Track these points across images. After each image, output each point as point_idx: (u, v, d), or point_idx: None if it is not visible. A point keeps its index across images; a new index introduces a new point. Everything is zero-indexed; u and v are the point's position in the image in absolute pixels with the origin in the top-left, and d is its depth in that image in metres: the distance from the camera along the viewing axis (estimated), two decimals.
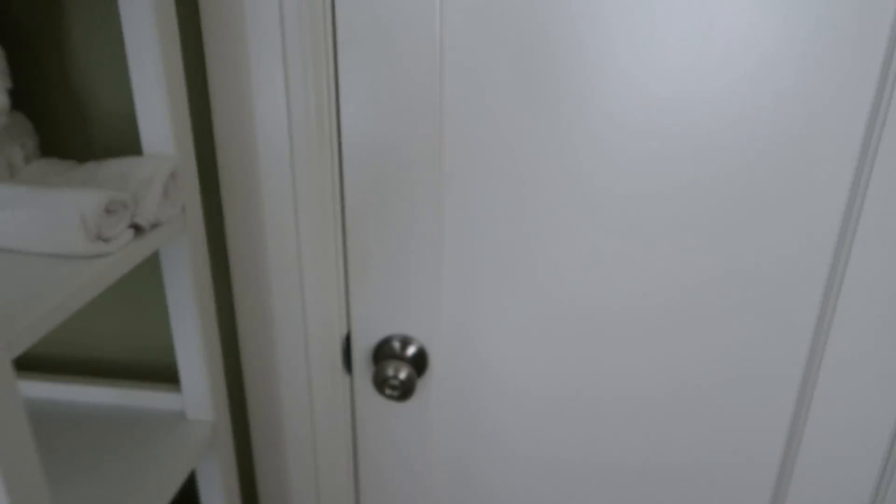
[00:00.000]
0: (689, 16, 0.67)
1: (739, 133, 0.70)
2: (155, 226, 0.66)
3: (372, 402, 0.89)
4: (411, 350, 0.85)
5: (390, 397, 0.83)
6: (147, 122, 0.68)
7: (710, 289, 0.77)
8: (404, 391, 0.82)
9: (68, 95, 0.76)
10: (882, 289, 0.74)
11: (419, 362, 0.85)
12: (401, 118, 0.75)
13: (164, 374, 0.90)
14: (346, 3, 0.71)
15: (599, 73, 0.70)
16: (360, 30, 0.72)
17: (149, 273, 0.85)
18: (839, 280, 0.75)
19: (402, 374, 0.81)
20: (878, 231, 0.72)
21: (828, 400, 0.80)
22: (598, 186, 0.75)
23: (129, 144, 0.77)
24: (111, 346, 0.89)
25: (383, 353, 0.85)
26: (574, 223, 0.77)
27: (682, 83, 0.69)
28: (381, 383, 0.82)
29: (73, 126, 0.77)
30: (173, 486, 0.74)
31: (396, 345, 0.85)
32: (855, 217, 0.72)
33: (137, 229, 0.64)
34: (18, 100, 0.77)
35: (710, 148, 0.71)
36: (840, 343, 0.77)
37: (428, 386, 0.87)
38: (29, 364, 0.92)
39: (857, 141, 0.69)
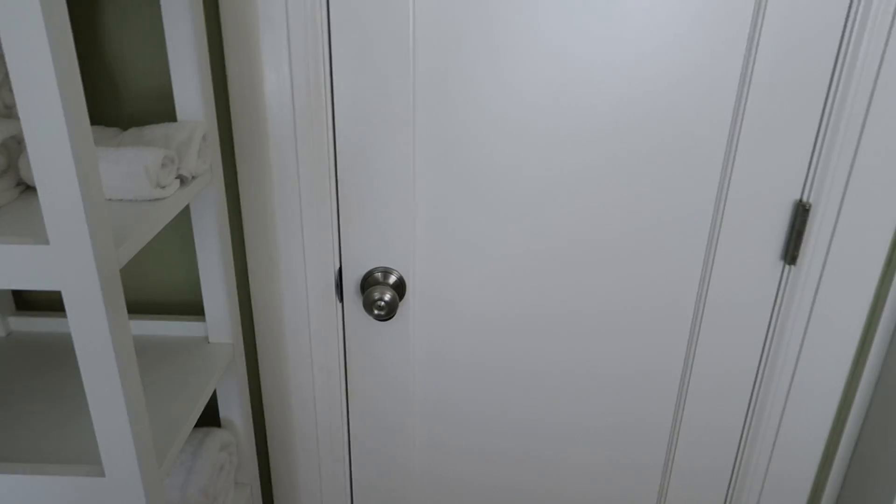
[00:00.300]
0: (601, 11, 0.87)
1: (641, 100, 0.92)
2: (194, 177, 0.83)
3: (360, 323, 1.09)
4: (392, 279, 1.04)
5: (378, 317, 1.02)
6: (181, 94, 0.84)
7: (628, 228, 1.00)
8: (389, 310, 1.01)
9: (109, 72, 0.92)
10: (753, 230, 0.98)
11: (399, 289, 1.05)
12: (381, 86, 0.93)
13: (186, 309, 1.07)
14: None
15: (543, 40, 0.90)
16: (349, 20, 0.90)
17: (174, 224, 1.01)
18: (720, 218, 0.98)
19: (387, 296, 1.01)
20: (749, 180, 0.95)
21: (713, 307, 1.04)
22: (552, 140, 0.95)
23: (157, 114, 0.94)
24: (144, 287, 1.06)
25: (369, 283, 1.05)
26: (522, 172, 0.97)
27: (603, 50, 0.90)
28: (369, 305, 1.01)
29: (113, 99, 0.93)
30: (205, 398, 0.91)
31: (379, 275, 1.04)
32: (730, 165, 0.95)
33: (182, 180, 0.81)
34: None
35: (622, 111, 0.93)
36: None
37: (406, 308, 1.07)
38: None
39: (729, 105, 0.91)
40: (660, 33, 0.89)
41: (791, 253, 1.00)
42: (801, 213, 0.97)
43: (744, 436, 1.14)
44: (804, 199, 0.97)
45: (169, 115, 0.94)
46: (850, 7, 0.86)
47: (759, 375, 1.09)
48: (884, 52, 0.87)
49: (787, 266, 1.02)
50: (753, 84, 0.90)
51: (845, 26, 0.87)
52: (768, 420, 1.11)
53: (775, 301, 1.04)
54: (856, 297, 1.01)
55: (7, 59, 0.52)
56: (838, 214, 0.96)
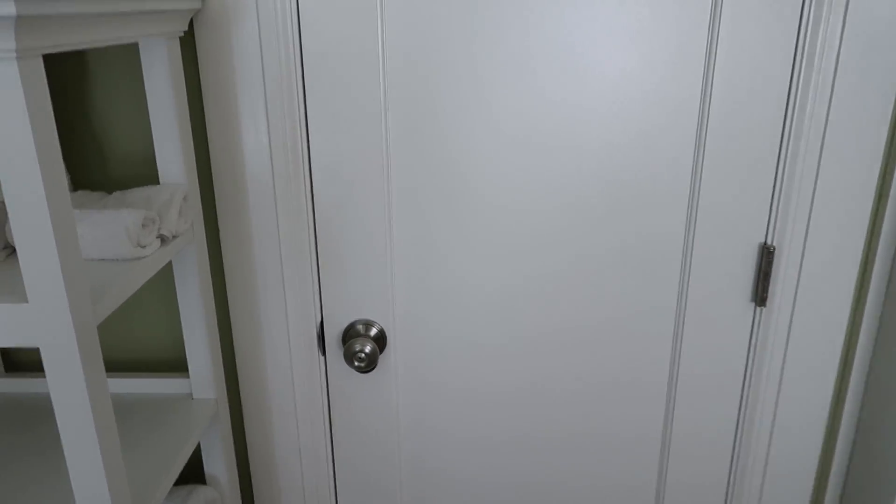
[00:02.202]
0: (568, 52, 0.93)
1: (609, 137, 0.96)
2: (174, 237, 0.87)
3: (342, 376, 1.11)
4: (373, 331, 1.07)
5: (358, 368, 1.04)
6: (164, 158, 0.88)
7: (597, 275, 1.03)
8: (369, 362, 1.03)
9: (95, 139, 0.96)
10: (721, 273, 1.01)
11: (380, 341, 1.07)
12: (355, 147, 0.98)
13: (170, 366, 1.09)
14: (312, 61, 0.94)
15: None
16: (322, 82, 0.95)
17: (156, 282, 1.05)
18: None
19: (368, 348, 1.03)
20: (713, 224, 0.99)
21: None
22: (520, 188, 0.99)
23: (141, 177, 0.98)
24: (128, 345, 1.08)
25: (350, 335, 1.07)
26: (495, 221, 1.01)
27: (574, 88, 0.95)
28: (350, 357, 1.03)
29: (99, 164, 0.97)
30: (187, 453, 0.93)
31: (360, 327, 1.07)
32: (694, 210, 0.98)
33: (162, 239, 0.85)
34: None
35: (592, 143, 0.97)
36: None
37: (388, 359, 1.09)
38: None
39: (690, 145, 0.96)
40: (616, 83, 0.94)
41: (760, 295, 1.02)
42: (766, 256, 1.00)
43: (729, 490, 1.14)
44: (768, 241, 1.00)
45: (152, 178, 0.98)
46: (794, 59, 0.91)
47: (740, 419, 1.10)
48: (830, 98, 0.91)
49: (758, 308, 1.04)
50: (709, 133, 0.95)
51: (792, 76, 0.92)
52: (753, 468, 1.11)
53: (749, 342, 1.06)
54: (828, 335, 1.03)
55: None
56: (802, 255, 0.99)
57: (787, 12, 0.89)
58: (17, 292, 0.66)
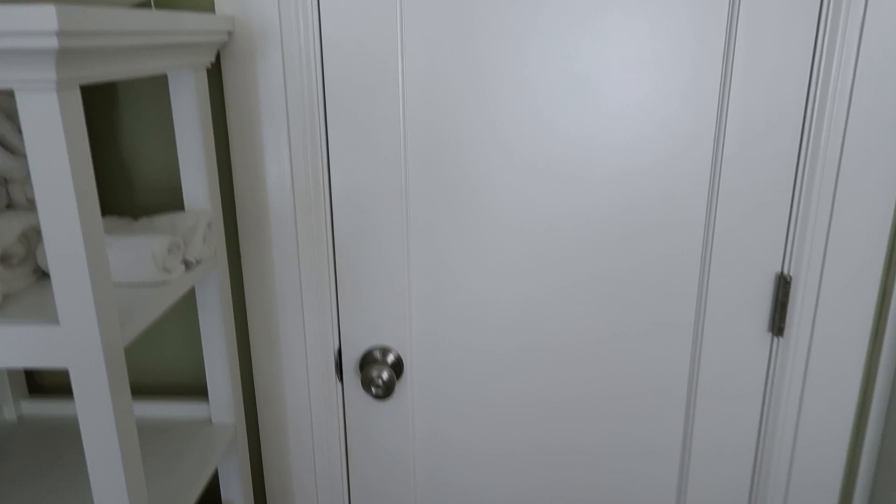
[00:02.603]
0: (583, 89, 0.94)
1: (627, 169, 0.98)
2: (198, 262, 0.89)
3: (359, 402, 1.11)
4: (390, 358, 1.07)
5: (376, 396, 1.05)
6: (189, 185, 0.91)
7: (614, 305, 1.03)
8: (387, 389, 1.04)
9: (124, 167, 0.99)
10: (738, 303, 1.01)
11: (397, 367, 1.08)
12: (375, 176, 1.00)
13: (189, 390, 1.10)
14: (334, 94, 0.96)
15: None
16: (344, 113, 0.97)
17: (177, 307, 1.06)
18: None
19: (385, 375, 1.04)
20: (730, 254, 0.99)
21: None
22: (537, 215, 1.00)
23: (167, 204, 1.00)
24: (150, 369, 1.09)
25: (367, 361, 1.08)
26: (512, 250, 1.02)
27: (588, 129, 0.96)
28: (367, 383, 1.04)
29: (127, 191, 1.00)
30: (205, 477, 0.93)
31: (377, 354, 1.08)
32: (710, 240, 0.99)
33: (187, 265, 0.87)
34: None
35: (610, 177, 0.98)
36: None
37: (404, 385, 1.10)
38: None
39: (705, 176, 0.97)
40: (631, 114, 0.95)
41: (777, 325, 1.02)
42: (783, 285, 1.00)
43: None
44: (785, 271, 1.00)
45: (177, 204, 1.00)
46: (808, 91, 0.93)
47: (759, 450, 1.09)
48: (845, 129, 0.92)
49: (775, 338, 1.04)
50: (725, 163, 0.96)
51: (806, 107, 0.93)
52: (772, 499, 1.10)
53: (767, 373, 1.06)
54: (847, 366, 1.03)
55: (30, 159, 0.58)
56: (819, 285, 0.99)
57: (800, 45, 0.91)
58: (48, 315, 0.68)
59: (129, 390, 0.69)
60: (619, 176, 0.98)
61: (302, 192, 0.98)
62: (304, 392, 1.08)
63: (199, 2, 0.92)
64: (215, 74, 0.95)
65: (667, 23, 0.91)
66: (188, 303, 1.06)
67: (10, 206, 0.83)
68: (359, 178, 1.00)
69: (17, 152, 0.79)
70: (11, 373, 1.05)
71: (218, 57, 0.94)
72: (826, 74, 0.91)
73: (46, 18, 0.50)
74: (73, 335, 0.63)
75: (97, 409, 0.66)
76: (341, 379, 1.10)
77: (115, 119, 0.98)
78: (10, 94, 0.80)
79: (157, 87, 0.96)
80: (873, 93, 0.91)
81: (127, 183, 1.00)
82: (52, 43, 0.52)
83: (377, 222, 1.02)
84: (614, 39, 0.92)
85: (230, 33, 0.92)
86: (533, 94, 0.95)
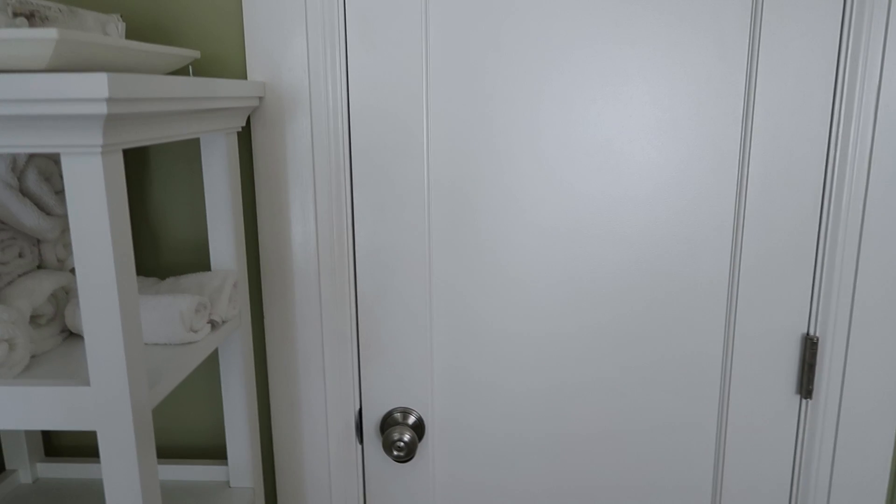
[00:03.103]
0: (604, 154, 0.96)
1: (648, 239, 0.98)
2: (224, 322, 0.89)
3: (380, 465, 1.09)
4: (411, 419, 1.06)
5: (397, 458, 1.03)
6: (216, 245, 0.92)
7: (637, 367, 1.02)
8: (408, 451, 1.02)
9: (152, 228, 1.00)
10: (764, 365, 1.00)
11: (418, 429, 1.06)
12: (399, 237, 1.00)
13: (204, 453, 1.09)
14: (360, 158, 0.98)
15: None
16: (370, 176, 0.99)
17: (199, 368, 1.06)
18: (731, 342, 1.00)
19: (407, 437, 1.02)
20: (754, 315, 0.99)
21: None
22: (559, 278, 1.00)
23: (193, 264, 1.01)
24: (167, 431, 1.08)
25: (388, 423, 1.06)
26: (534, 312, 1.02)
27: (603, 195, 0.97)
28: (388, 446, 1.02)
29: (153, 251, 1.01)
30: None
31: (399, 416, 1.06)
32: (733, 301, 0.99)
33: (213, 325, 0.87)
34: None
35: (627, 248, 0.99)
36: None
37: (426, 448, 1.08)
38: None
39: (727, 238, 0.97)
40: (653, 177, 0.96)
41: (806, 387, 1.01)
42: (810, 347, 0.99)
43: None
44: (811, 332, 0.99)
45: (204, 265, 1.01)
46: (828, 150, 0.94)
47: None
48: (866, 188, 0.93)
49: (803, 400, 1.02)
50: (746, 225, 0.96)
51: (826, 167, 0.94)
52: None
53: (797, 436, 1.03)
54: (880, 427, 1.01)
55: (71, 221, 0.59)
56: (847, 345, 0.98)
57: (818, 104, 0.93)
58: (77, 375, 0.68)
59: (154, 453, 0.68)
60: (641, 240, 0.98)
61: (326, 252, 0.99)
62: (324, 454, 1.06)
63: (232, 68, 0.95)
64: (245, 137, 0.97)
65: (687, 88, 0.93)
66: (209, 363, 1.06)
67: (40, 266, 0.84)
68: (383, 239, 1.01)
69: (52, 213, 0.80)
70: (29, 434, 1.04)
71: (248, 120, 0.96)
72: (845, 135, 0.93)
73: (98, 86, 0.52)
74: (103, 397, 0.63)
75: (123, 471, 0.65)
76: (361, 441, 1.09)
77: (144, 179, 1.00)
78: (48, 157, 0.82)
79: (187, 148, 0.98)
80: (893, 152, 0.92)
81: (154, 242, 1.01)
82: (102, 109, 0.54)
83: (400, 283, 1.02)
84: (635, 105, 0.94)
85: (261, 98, 0.94)
86: (557, 160, 0.96)
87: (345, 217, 0.99)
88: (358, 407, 1.07)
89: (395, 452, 1.02)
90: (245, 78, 0.95)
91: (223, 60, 0.95)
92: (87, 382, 0.64)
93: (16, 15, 0.63)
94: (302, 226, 0.98)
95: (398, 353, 1.04)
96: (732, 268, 0.98)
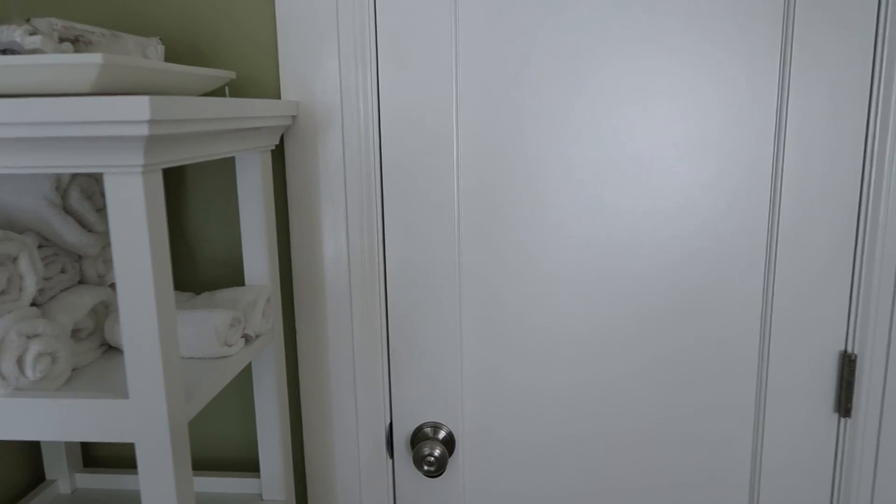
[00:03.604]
0: (636, 170, 0.96)
1: (678, 249, 0.97)
2: (258, 336, 0.90)
3: (410, 480, 1.09)
4: (442, 434, 1.06)
5: (427, 473, 1.03)
6: (250, 261, 0.93)
7: (670, 381, 1.01)
8: (439, 466, 1.02)
9: (187, 244, 1.03)
10: (800, 383, 0.98)
11: (449, 444, 1.06)
12: (430, 253, 1.01)
13: (234, 465, 1.10)
14: (391, 173, 0.99)
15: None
16: (400, 191, 1.00)
17: (233, 383, 1.07)
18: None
19: (437, 452, 1.02)
20: (789, 333, 0.97)
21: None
22: (591, 292, 1.00)
23: (227, 279, 1.03)
24: (201, 443, 1.10)
25: (419, 438, 1.06)
26: (562, 327, 1.01)
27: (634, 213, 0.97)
28: (419, 460, 1.03)
29: (189, 267, 1.03)
30: None
31: (429, 430, 1.06)
32: (768, 318, 0.97)
33: (247, 339, 0.88)
34: None
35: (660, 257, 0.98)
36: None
37: (456, 463, 1.08)
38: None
39: (761, 253, 0.96)
40: (682, 192, 0.96)
41: (844, 405, 0.98)
42: (847, 364, 0.97)
43: None
44: (849, 349, 0.97)
45: (238, 280, 1.03)
46: (863, 164, 0.92)
47: None
48: None
49: (842, 419, 1.00)
50: (780, 240, 0.95)
51: (862, 182, 0.93)
52: None
53: (836, 456, 1.01)
54: None
55: (112, 238, 0.61)
56: (887, 363, 0.96)
57: (853, 118, 0.91)
58: (116, 389, 0.69)
59: (190, 465, 0.70)
60: (674, 254, 0.98)
61: (357, 267, 1.00)
62: (355, 469, 1.07)
63: (266, 88, 0.97)
64: (278, 155, 0.99)
65: (717, 102, 0.93)
66: (242, 376, 1.08)
67: (81, 281, 0.87)
68: (413, 254, 1.01)
69: (93, 230, 0.83)
70: (68, 444, 1.07)
71: (281, 139, 0.98)
72: (881, 150, 0.91)
73: (140, 108, 0.54)
74: (141, 409, 0.65)
75: (160, 483, 0.66)
76: (392, 456, 1.09)
77: (181, 197, 1.02)
78: (90, 175, 0.84)
79: (222, 165, 1.01)
80: None
81: (190, 258, 1.03)
82: (144, 131, 0.55)
83: (431, 298, 1.02)
84: (665, 119, 0.94)
85: (294, 117, 0.96)
86: (587, 173, 0.96)
87: (376, 231, 1.01)
88: (388, 421, 1.08)
89: (426, 467, 1.03)
90: (279, 97, 0.97)
91: (258, 80, 0.97)
92: (125, 395, 0.65)
93: (62, 40, 0.65)
94: (333, 241, 1.00)
95: (428, 366, 1.05)
96: (766, 283, 0.97)
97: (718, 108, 0.93)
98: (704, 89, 0.93)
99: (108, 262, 0.88)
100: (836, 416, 1.00)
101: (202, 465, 1.11)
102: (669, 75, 0.93)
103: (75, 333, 0.80)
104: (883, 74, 0.90)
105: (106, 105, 0.54)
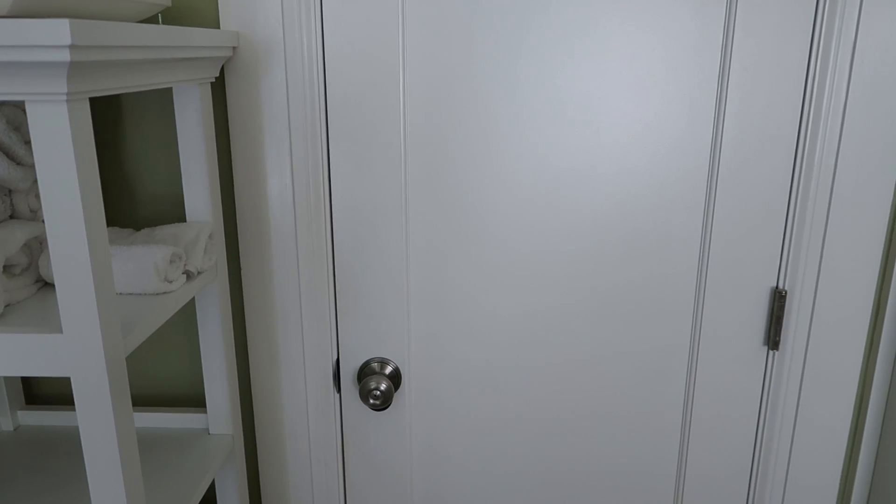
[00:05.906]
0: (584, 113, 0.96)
1: (622, 190, 0.99)
2: (199, 273, 0.89)
3: (357, 414, 1.11)
4: (388, 369, 1.08)
5: (373, 406, 1.05)
6: (191, 197, 0.92)
7: (610, 316, 1.04)
8: (384, 400, 1.04)
9: (127, 179, 1.00)
10: (733, 316, 1.02)
11: (395, 379, 1.08)
12: (375, 190, 1.01)
13: (183, 401, 1.11)
14: (336, 109, 0.98)
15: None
16: (346, 128, 0.98)
17: (177, 318, 1.07)
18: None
19: (383, 386, 1.04)
20: (725, 268, 1.01)
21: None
22: (535, 229, 1.02)
23: (168, 215, 1.01)
24: (149, 380, 1.10)
25: (365, 373, 1.08)
26: (507, 263, 1.03)
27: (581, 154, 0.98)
28: (365, 395, 1.05)
29: (129, 202, 1.01)
30: (203, 488, 0.93)
31: (376, 365, 1.08)
32: (705, 254, 1.00)
33: (188, 276, 0.87)
34: None
35: (604, 200, 1.00)
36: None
37: (402, 397, 1.10)
38: None
39: (701, 194, 0.98)
40: (628, 130, 0.97)
41: (773, 339, 1.03)
42: (778, 300, 1.01)
43: None
44: (780, 286, 1.02)
45: (179, 216, 1.01)
46: (802, 108, 0.94)
47: (755, 462, 1.10)
48: (838, 146, 0.94)
49: (770, 351, 1.05)
50: (720, 181, 0.97)
51: (800, 125, 0.95)
52: None
53: (763, 386, 1.07)
54: (843, 379, 1.04)
55: (38, 170, 0.59)
56: (814, 299, 1.01)
57: (794, 64, 0.93)
58: (50, 323, 0.68)
59: (129, 400, 0.70)
60: (618, 193, 0.99)
61: (303, 204, 0.99)
62: (302, 403, 1.08)
63: (204, 18, 0.93)
64: (219, 88, 0.96)
65: (664, 43, 0.93)
66: (187, 313, 1.07)
67: (13, 216, 0.84)
68: (359, 192, 1.01)
69: (23, 163, 0.80)
70: (9, 382, 1.06)
71: (222, 71, 0.95)
72: (819, 93, 0.93)
73: (60, 32, 0.52)
74: (75, 344, 0.64)
75: (98, 417, 0.66)
76: (339, 390, 1.11)
77: (118, 130, 0.99)
78: (16, 105, 0.81)
79: (161, 99, 0.97)
80: (866, 111, 0.93)
81: (129, 194, 1.01)
82: (65, 56, 0.53)
83: (377, 236, 1.03)
84: (612, 62, 0.94)
85: (234, 49, 0.93)
86: (531, 114, 0.96)
87: (321, 170, 0.99)
88: (335, 357, 1.09)
89: (372, 401, 1.05)
90: (218, 27, 0.94)
91: (196, 9, 0.93)
92: (59, 330, 0.64)
93: None
94: (278, 178, 0.98)
95: (375, 304, 1.06)
96: (705, 222, 1.00)
97: (665, 48, 0.93)
98: (652, 29, 0.93)
99: (40, 196, 0.85)
100: (765, 349, 1.05)
101: (150, 401, 1.11)
102: (619, 14, 0.93)
103: (8, 269, 0.78)
104: (825, 18, 0.91)
105: (23, 28, 0.52)
